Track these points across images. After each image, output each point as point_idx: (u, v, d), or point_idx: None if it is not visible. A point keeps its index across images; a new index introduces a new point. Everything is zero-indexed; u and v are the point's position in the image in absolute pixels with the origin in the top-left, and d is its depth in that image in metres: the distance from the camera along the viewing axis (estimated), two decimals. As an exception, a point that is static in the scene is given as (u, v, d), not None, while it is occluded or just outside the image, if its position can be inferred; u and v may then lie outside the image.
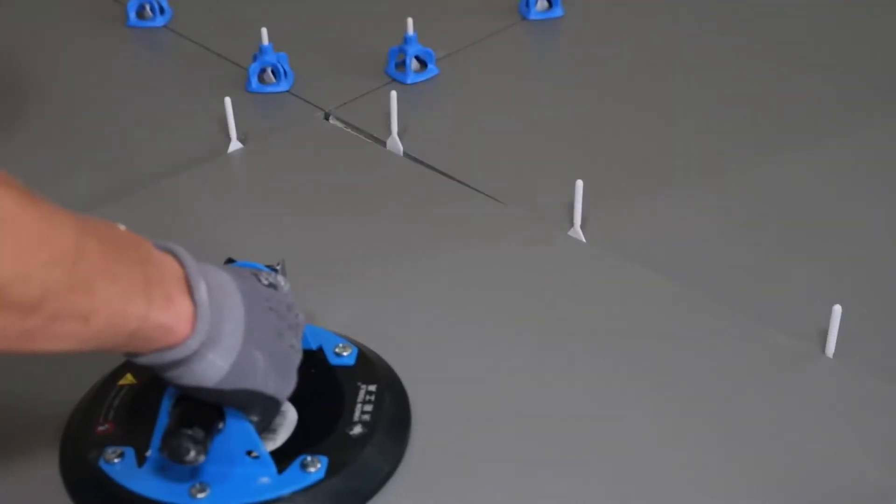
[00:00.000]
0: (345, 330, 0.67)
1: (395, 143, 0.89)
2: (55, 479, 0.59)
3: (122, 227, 0.47)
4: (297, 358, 0.54)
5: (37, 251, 0.41)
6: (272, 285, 0.54)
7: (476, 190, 0.84)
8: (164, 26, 1.08)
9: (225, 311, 0.49)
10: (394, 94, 0.87)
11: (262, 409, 0.53)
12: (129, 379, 0.62)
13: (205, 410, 0.52)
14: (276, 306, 0.53)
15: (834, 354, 0.67)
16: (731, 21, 1.08)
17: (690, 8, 1.11)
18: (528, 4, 1.08)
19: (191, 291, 0.48)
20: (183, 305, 0.47)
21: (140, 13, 1.08)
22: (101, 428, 0.59)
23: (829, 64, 1.00)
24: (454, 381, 0.66)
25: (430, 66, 0.99)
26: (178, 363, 0.48)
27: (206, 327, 0.48)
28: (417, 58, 0.98)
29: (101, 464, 0.57)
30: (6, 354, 0.43)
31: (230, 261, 0.61)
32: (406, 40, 0.97)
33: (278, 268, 0.60)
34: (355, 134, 0.92)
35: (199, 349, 0.48)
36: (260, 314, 0.51)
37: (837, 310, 0.65)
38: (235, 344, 0.49)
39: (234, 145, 0.89)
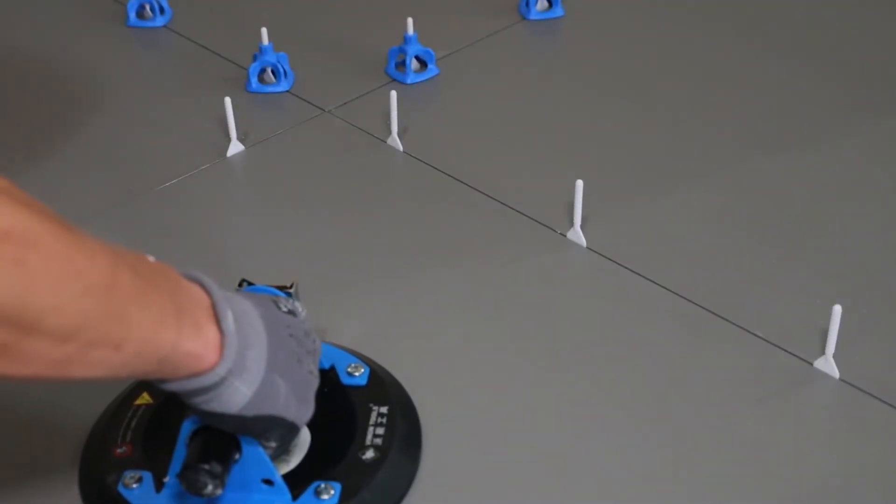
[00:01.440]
0: (353, 342, 0.67)
1: (395, 143, 0.89)
2: (76, 501, 0.59)
3: (152, 259, 0.48)
4: (315, 383, 0.55)
5: (72, 281, 0.42)
6: (291, 312, 0.55)
7: (476, 190, 0.85)
8: (164, 26, 1.08)
9: (250, 338, 0.50)
10: (394, 93, 0.87)
11: (281, 434, 0.54)
12: (145, 398, 0.62)
13: (222, 443, 0.53)
14: (295, 333, 0.54)
15: (834, 355, 0.67)
16: (732, 21, 1.08)
17: (691, 8, 1.10)
18: (528, 4, 1.08)
19: (218, 320, 0.49)
20: (211, 334, 0.49)
21: (140, 13, 1.08)
22: (119, 450, 0.60)
23: (830, 64, 1.00)
24: (462, 395, 0.66)
25: (430, 66, 0.99)
26: (204, 390, 0.49)
27: (233, 355, 0.49)
28: (417, 58, 0.98)
29: (120, 488, 0.58)
30: (43, 381, 0.43)
31: (244, 282, 0.62)
32: (406, 40, 0.97)
33: (291, 290, 0.61)
34: (356, 134, 0.92)
35: (226, 376, 0.49)
36: (281, 341, 0.52)
37: (837, 310, 0.65)
38: (259, 371, 0.50)
39: (235, 145, 0.90)
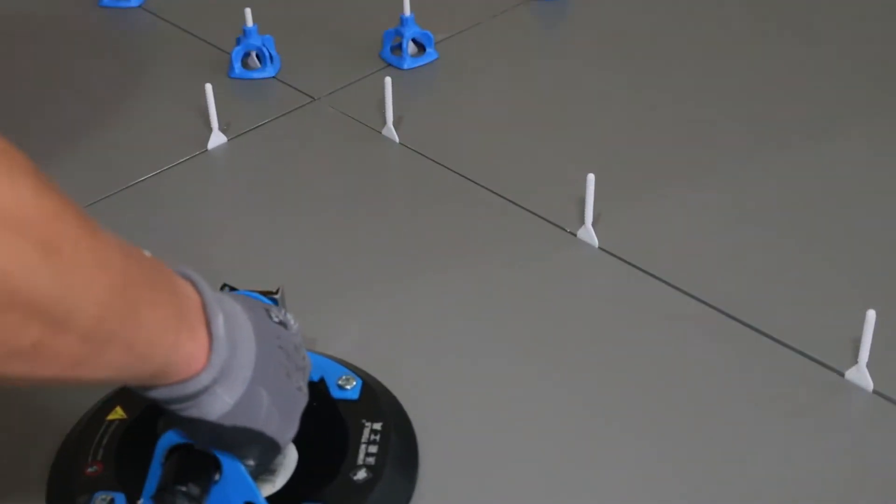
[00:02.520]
0: (344, 352, 0.66)
1: (391, 134, 0.87)
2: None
3: (148, 253, 0.48)
4: (302, 401, 0.54)
5: (97, 276, 0.42)
6: (282, 323, 0.54)
7: (479, 185, 0.82)
8: (139, 6, 1.07)
9: (238, 345, 0.50)
10: (388, 80, 0.86)
11: (260, 451, 0.53)
12: (118, 413, 0.61)
13: (200, 463, 0.52)
14: (285, 345, 0.53)
15: (867, 365, 0.64)
16: (749, 10, 1.06)
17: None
18: (533, -17, 1.07)
19: (207, 322, 0.48)
20: (202, 336, 0.48)
21: (114, -8, 1.09)
22: (90, 469, 0.58)
23: (855, 55, 0.98)
24: (463, 409, 0.64)
25: (428, 49, 0.97)
26: (188, 397, 0.48)
27: (221, 362, 0.48)
28: (415, 41, 0.97)
29: None
30: (57, 384, 0.43)
31: (226, 287, 0.61)
32: (403, 22, 0.96)
33: (277, 296, 0.60)
34: (348, 124, 0.90)
35: (210, 384, 0.48)
36: (270, 352, 0.51)
37: (871, 315, 0.62)
38: (244, 380, 0.49)
39: (216, 136, 0.88)
